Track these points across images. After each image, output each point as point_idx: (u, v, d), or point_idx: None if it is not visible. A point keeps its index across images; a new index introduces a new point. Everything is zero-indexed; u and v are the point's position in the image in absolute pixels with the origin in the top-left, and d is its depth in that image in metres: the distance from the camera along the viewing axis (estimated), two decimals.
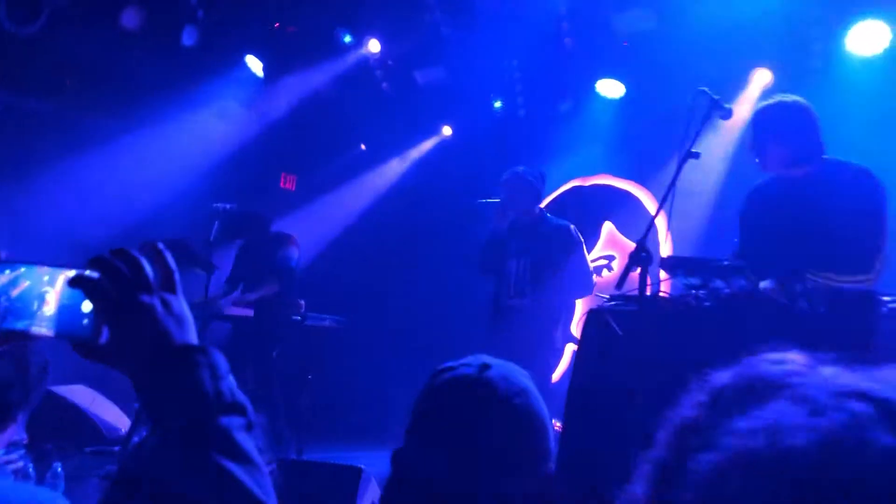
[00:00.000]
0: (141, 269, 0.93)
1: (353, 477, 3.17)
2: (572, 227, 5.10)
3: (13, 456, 2.68)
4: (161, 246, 0.97)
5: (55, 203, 6.75)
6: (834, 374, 0.59)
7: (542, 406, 1.18)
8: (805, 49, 5.73)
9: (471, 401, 1.14)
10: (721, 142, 4.77)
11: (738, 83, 5.98)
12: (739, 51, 5.93)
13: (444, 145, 8.07)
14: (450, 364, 1.21)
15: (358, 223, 8.19)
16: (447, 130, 8.03)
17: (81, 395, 5.67)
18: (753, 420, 0.58)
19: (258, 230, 6.04)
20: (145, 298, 0.91)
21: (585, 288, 5.04)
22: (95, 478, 4.76)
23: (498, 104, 7.47)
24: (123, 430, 5.56)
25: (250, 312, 5.89)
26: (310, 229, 7.21)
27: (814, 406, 0.55)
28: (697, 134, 3.34)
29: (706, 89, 3.51)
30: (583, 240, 5.15)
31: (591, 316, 3.39)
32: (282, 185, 8.52)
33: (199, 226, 5.81)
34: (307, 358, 5.49)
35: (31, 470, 3.72)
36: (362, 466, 3.27)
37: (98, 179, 6.85)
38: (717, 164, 5.24)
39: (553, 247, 4.96)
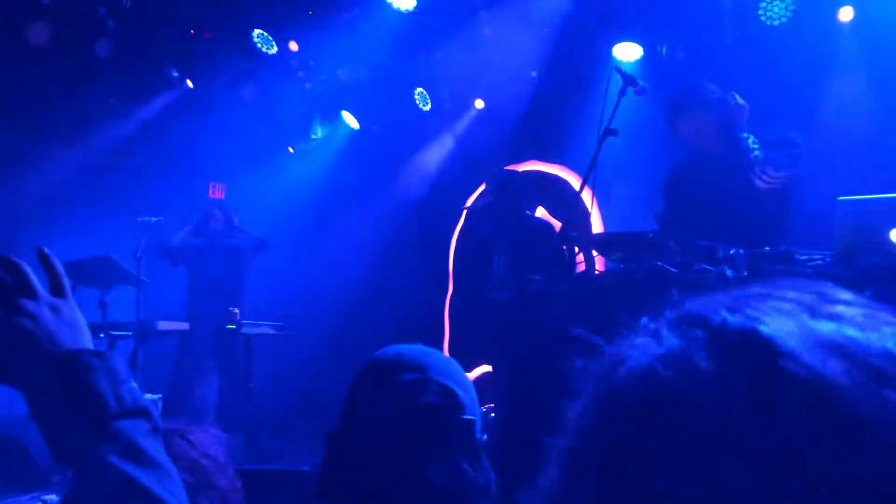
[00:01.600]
0: (24, 275, 0.88)
1: (301, 482, 3.13)
2: (553, 222, 5.30)
3: None
4: (47, 251, 0.92)
5: None
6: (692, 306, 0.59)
7: (461, 393, 1.18)
8: (720, 23, 5.85)
9: (386, 390, 1.14)
10: (643, 117, 4.84)
11: (656, 62, 6.09)
12: (657, 32, 6.06)
13: (372, 141, 8.04)
14: (386, 363, 1.20)
15: (289, 225, 8.09)
16: (354, 123, 7.96)
17: (10, 424, 5.47)
18: (607, 356, 0.58)
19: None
20: (29, 305, 0.87)
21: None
22: None
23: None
24: None
25: (186, 327, 5.79)
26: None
27: (656, 334, 0.55)
28: (614, 111, 3.39)
29: (621, 67, 3.57)
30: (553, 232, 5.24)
31: (526, 297, 3.41)
32: (211, 194, 8.37)
33: (125, 240, 5.67)
34: (246, 366, 5.40)
35: None
36: (307, 469, 3.24)
37: (16, 196, 6.62)
38: (641, 140, 5.32)
39: (532, 242, 5.12)
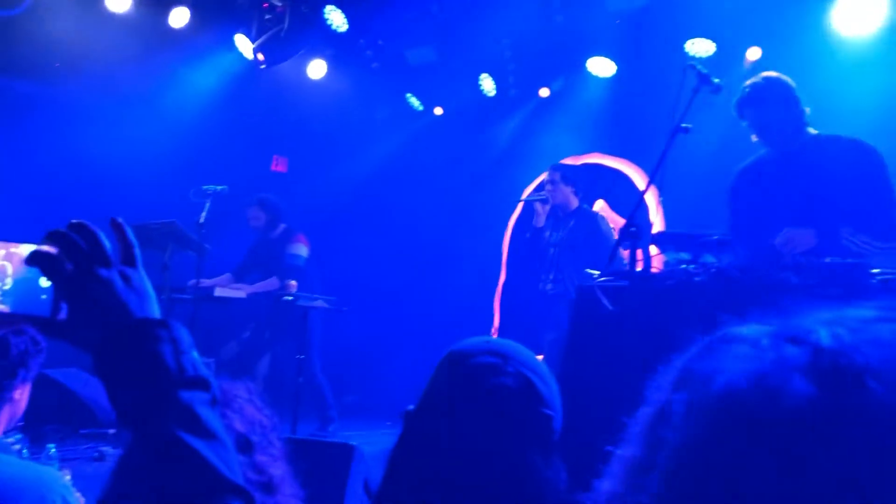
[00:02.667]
0: (98, 242, 0.90)
1: (345, 454, 3.18)
2: (599, 216, 5.34)
3: (10, 439, 2.68)
4: (120, 220, 0.94)
5: (44, 181, 6.73)
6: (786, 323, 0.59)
7: (541, 385, 1.18)
8: (795, 27, 5.71)
9: (463, 370, 1.14)
10: (713, 117, 4.77)
11: (729, 60, 5.97)
12: (730, 28, 5.92)
13: (435, 125, 8.04)
14: (468, 347, 1.20)
15: (348, 205, 8.18)
16: (438, 111, 8.00)
17: (75, 378, 5.67)
18: (707, 364, 0.59)
19: (272, 223, 6.21)
20: (103, 272, 0.89)
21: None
22: (89, 459, 4.78)
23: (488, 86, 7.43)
24: None
25: (243, 295, 5.91)
26: (301, 212, 7.20)
27: (754, 349, 0.56)
28: (686, 108, 3.34)
29: (696, 64, 3.51)
30: (611, 228, 5.32)
31: (582, 292, 3.39)
32: (273, 167, 8.50)
33: (190, 208, 5.80)
34: (299, 338, 5.50)
35: (26, 451, 3.73)
36: (354, 444, 3.28)
37: (87, 160, 6.82)
38: (710, 139, 5.24)
39: (579, 236, 5.22)
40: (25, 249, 0.96)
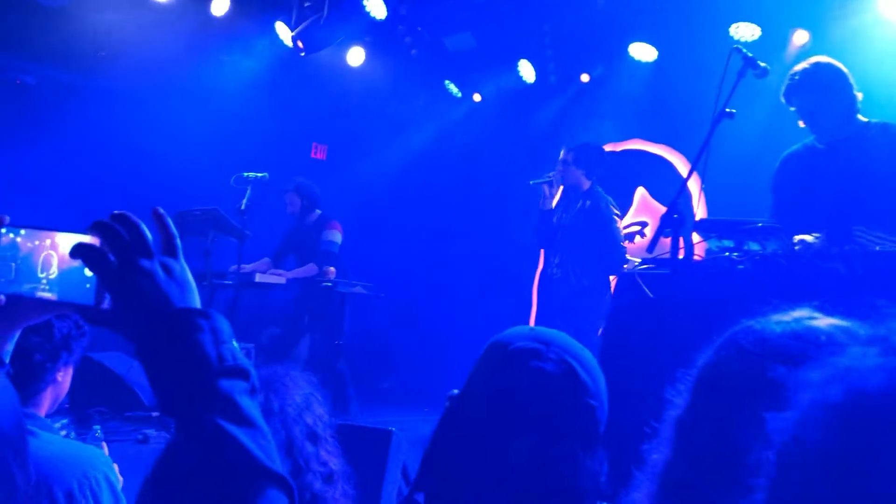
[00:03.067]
0: (140, 233, 0.91)
1: (383, 440, 3.19)
2: (608, 202, 5.22)
3: (57, 424, 2.74)
4: (161, 211, 0.95)
5: (86, 170, 6.86)
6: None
7: (585, 375, 1.16)
8: (843, 9, 5.56)
9: (506, 355, 1.13)
10: (758, 102, 4.67)
11: (774, 45, 5.83)
12: (776, 11, 5.78)
13: (474, 112, 8.00)
14: (511, 334, 1.19)
15: (387, 192, 8.19)
16: (477, 97, 7.96)
17: (119, 362, 5.79)
18: (826, 369, 0.57)
19: (308, 208, 6.25)
20: (145, 263, 0.90)
21: (613, 262, 5.05)
22: (133, 441, 4.87)
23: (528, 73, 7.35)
24: None
25: (282, 281, 5.97)
26: (340, 199, 7.23)
27: (884, 346, 0.54)
28: (731, 93, 3.26)
29: (741, 47, 3.43)
30: (616, 214, 5.23)
31: (622, 280, 3.36)
32: (312, 154, 8.55)
33: (231, 194, 5.86)
34: (337, 323, 5.53)
35: (73, 434, 3.82)
36: (393, 429, 3.29)
37: (129, 148, 6.94)
38: (754, 125, 5.13)
39: (587, 221, 5.13)
40: (70, 239, 0.96)
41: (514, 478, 1.06)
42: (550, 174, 5.28)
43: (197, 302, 0.93)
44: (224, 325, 0.90)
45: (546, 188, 5.26)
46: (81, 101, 7.10)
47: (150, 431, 4.96)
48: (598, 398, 1.14)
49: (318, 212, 6.36)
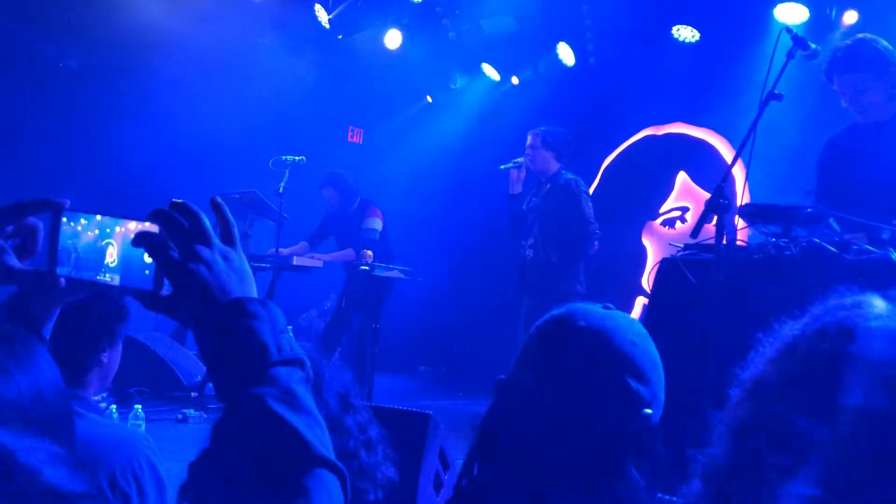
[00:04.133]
0: (200, 222, 0.92)
1: (422, 423, 3.18)
2: (577, 181, 5.35)
3: (97, 397, 2.78)
4: (219, 200, 0.96)
5: (127, 155, 6.94)
6: None
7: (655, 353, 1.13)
8: None
9: (576, 336, 1.09)
10: (806, 84, 4.55)
11: (823, 26, 5.68)
12: None
13: (512, 95, 7.93)
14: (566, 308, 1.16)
15: (423, 176, 8.17)
16: (514, 80, 7.89)
17: (160, 343, 5.87)
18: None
19: (348, 198, 6.28)
20: (204, 252, 0.90)
21: (583, 239, 5.23)
22: (172, 421, 4.95)
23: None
24: (199, 377, 5.76)
25: (320, 264, 5.99)
26: (376, 182, 7.23)
27: None
28: (780, 74, 3.17)
29: (791, 28, 3.33)
30: (586, 192, 5.39)
31: (665, 265, 3.30)
32: (349, 138, 8.56)
33: (270, 177, 5.89)
34: (375, 307, 5.55)
35: (115, 413, 3.88)
36: (430, 412, 3.28)
37: (169, 133, 7.00)
38: (800, 109, 5.00)
39: (557, 202, 5.26)
40: (130, 226, 0.98)
41: (561, 453, 1.04)
42: (518, 159, 5.39)
43: (254, 291, 0.93)
44: (280, 315, 0.91)
45: (514, 173, 5.39)
46: (123, 85, 7.18)
47: (190, 411, 5.04)
48: (651, 383, 1.10)
49: (359, 199, 6.37)
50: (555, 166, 5.39)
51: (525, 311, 5.22)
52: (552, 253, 5.20)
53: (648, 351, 1.11)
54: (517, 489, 1.04)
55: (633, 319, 1.14)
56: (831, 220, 3.04)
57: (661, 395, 1.11)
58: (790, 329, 0.85)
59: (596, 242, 5.30)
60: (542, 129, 5.48)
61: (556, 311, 1.13)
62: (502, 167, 5.45)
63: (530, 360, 1.12)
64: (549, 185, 5.36)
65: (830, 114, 5.34)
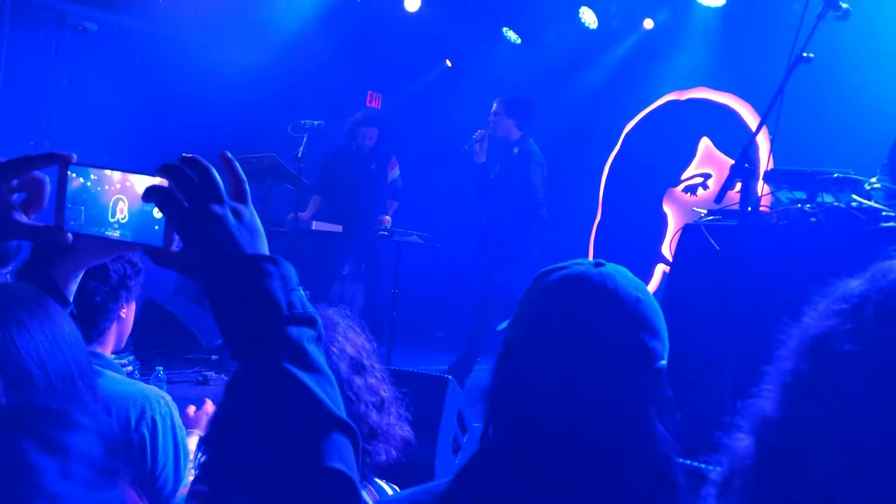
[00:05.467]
0: (211, 177, 0.90)
1: (440, 386, 3.19)
2: (532, 149, 5.44)
3: (124, 360, 2.80)
4: (230, 155, 0.94)
5: (145, 116, 6.94)
6: None
7: (655, 303, 1.11)
8: None
9: (587, 295, 1.07)
10: (835, 46, 4.44)
11: None
12: None
13: (531, 57, 7.82)
14: (558, 265, 1.14)
15: (442, 141, 8.11)
16: (516, 39, 7.74)
17: (180, 305, 5.91)
18: None
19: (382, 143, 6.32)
20: (216, 208, 0.89)
21: (528, 206, 5.34)
22: (193, 382, 5.00)
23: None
24: (219, 340, 5.80)
25: (339, 229, 5.98)
26: (395, 147, 7.18)
27: None
28: (809, 36, 3.09)
29: None
30: (539, 161, 5.44)
31: (687, 231, 3.26)
32: (368, 103, 8.49)
33: (288, 141, 5.86)
34: (393, 272, 5.55)
35: (137, 373, 3.92)
36: (449, 376, 3.29)
37: (188, 95, 6.98)
38: (829, 71, 4.89)
39: (515, 168, 5.39)
40: (140, 181, 0.96)
41: (568, 402, 1.03)
42: (478, 132, 5.51)
43: (266, 248, 0.92)
44: (292, 272, 0.89)
45: (477, 146, 5.50)
46: (141, 47, 7.15)
47: (210, 373, 5.09)
48: (654, 335, 1.07)
49: (385, 148, 6.37)
50: (517, 133, 5.49)
51: (482, 273, 5.49)
52: (504, 217, 5.37)
53: (652, 303, 1.09)
54: (536, 454, 1.02)
55: (628, 272, 1.11)
56: (866, 185, 2.96)
57: (668, 344, 1.09)
58: (854, 286, 0.83)
59: (544, 210, 5.43)
60: (506, 97, 5.62)
61: (561, 271, 1.11)
62: (466, 147, 5.57)
63: (539, 323, 1.09)
64: (511, 153, 5.48)
65: (859, 77, 5.24)
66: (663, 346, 1.07)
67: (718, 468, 0.89)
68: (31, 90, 6.71)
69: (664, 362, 1.07)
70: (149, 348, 5.27)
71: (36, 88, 6.75)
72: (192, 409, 2.29)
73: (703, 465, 1.21)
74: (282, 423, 0.83)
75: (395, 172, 6.34)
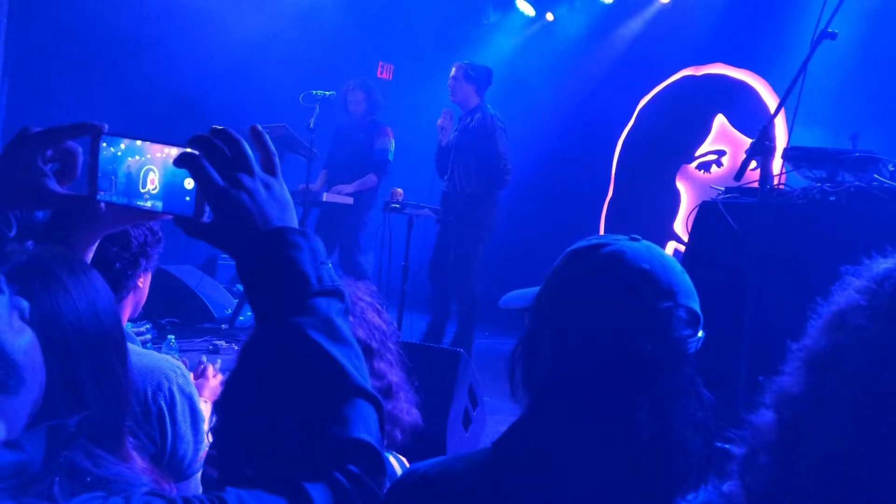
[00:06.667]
0: (242, 149, 0.91)
1: (453, 360, 3.20)
2: (495, 116, 5.44)
3: (142, 328, 2.81)
4: (260, 128, 0.95)
5: (155, 89, 6.90)
6: None
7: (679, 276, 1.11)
8: None
9: (629, 272, 1.07)
10: (856, 22, 4.37)
11: None
12: None
13: (547, 32, 7.74)
14: (596, 240, 1.13)
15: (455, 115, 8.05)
16: (550, 16, 7.69)
17: (191, 275, 5.93)
18: None
19: (370, 110, 6.21)
20: (246, 180, 0.89)
21: (497, 174, 5.36)
22: (204, 351, 5.02)
23: None
24: (229, 310, 5.82)
25: (350, 200, 5.96)
26: (406, 119, 7.14)
27: None
28: (835, 11, 3.03)
29: None
30: (503, 128, 5.46)
31: (704, 209, 3.23)
32: (378, 74, 8.43)
33: (299, 112, 5.83)
34: (405, 245, 5.54)
35: (150, 344, 3.94)
36: (461, 350, 3.30)
37: (198, 67, 6.94)
38: (849, 48, 4.81)
39: (476, 136, 5.38)
40: (171, 151, 0.97)
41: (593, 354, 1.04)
42: (442, 116, 5.48)
43: (295, 221, 0.93)
44: (320, 245, 0.91)
45: (442, 130, 5.48)
46: (152, 17, 7.10)
47: (220, 342, 5.11)
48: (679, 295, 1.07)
49: (372, 118, 6.23)
50: (475, 100, 5.48)
51: (439, 240, 5.54)
52: (466, 185, 5.38)
53: (687, 279, 1.10)
54: (577, 425, 1.02)
55: (660, 250, 1.12)
56: (891, 165, 2.92)
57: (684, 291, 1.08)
58: (879, 265, 0.83)
59: (510, 177, 5.45)
60: (466, 62, 5.59)
61: (600, 248, 1.10)
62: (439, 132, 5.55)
63: (570, 295, 1.09)
64: (469, 119, 5.46)
65: (879, 53, 5.16)
66: (701, 316, 1.08)
67: (740, 446, 0.90)
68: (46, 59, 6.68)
69: (702, 333, 1.08)
70: (159, 317, 5.29)
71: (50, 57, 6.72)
72: (192, 376, 2.29)
73: (722, 445, 1.21)
74: (309, 392, 0.84)
75: (385, 143, 6.12)
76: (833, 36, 2.99)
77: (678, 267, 1.10)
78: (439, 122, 5.50)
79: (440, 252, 5.59)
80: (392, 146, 6.17)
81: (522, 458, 1.04)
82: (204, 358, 2.42)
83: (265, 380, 0.89)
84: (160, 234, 2.06)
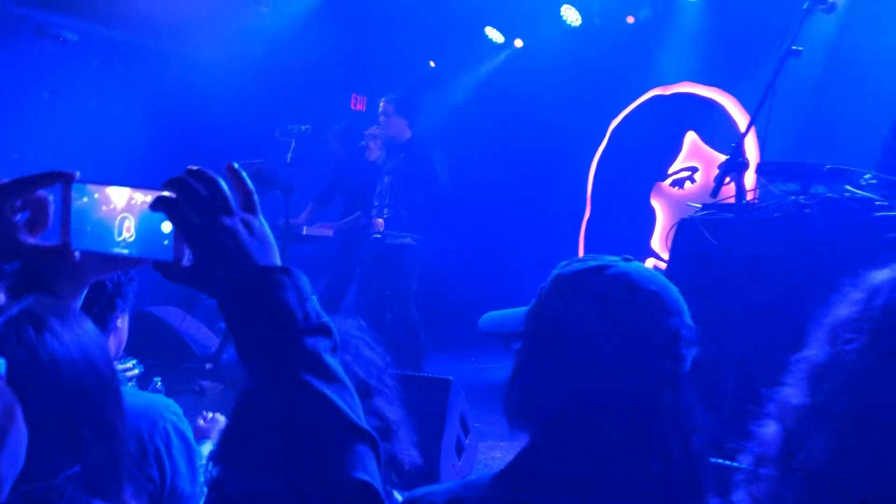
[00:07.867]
0: (219, 189, 0.88)
1: (442, 388, 3.20)
2: (429, 145, 5.55)
3: (129, 364, 2.78)
4: (237, 166, 0.93)
5: (130, 127, 6.89)
6: None
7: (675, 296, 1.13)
8: None
9: (609, 288, 1.09)
10: (821, 40, 4.48)
11: None
12: None
13: (515, 58, 7.84)
14: (593, 262, 1.15)
15: (427, 141, 8.10)
16: (518, 43, 7.79)
17: (173, 315, 5.88)
18: None
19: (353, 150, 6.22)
20: (226, 220, 0.87)
21: (440, 199, 5.45)
22: (190, 392, 4.97)
23: None
24: (213, 348, 5.77)
25: (330, 233, 5.96)
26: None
27: None
28: (798, 30, 3.12)
29: None
30: (439, 153, 5.56)
31: (683, 226, 3.28)
32: (353, 106, 8.48)
33: (276, 147, 5.84)
34: (387, 275, 5.54)
35: (133, 383, 3.89)
36: (451, 378, 3.30)
37: (171, 104, 6.94)
38: (817, 64, 4.92)
39: (411, 166, 5.40)
40: (146, 196, 0.94)
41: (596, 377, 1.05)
42: (373, 128, 5.57)
43: (277, 259, 0.91)
44: (306, 282, 0.89)
45: (371, 144, 5.55)
46: (124, 57, 7.10)
47: (206, 382, 5.06)
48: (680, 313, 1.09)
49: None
50: (408, 133, 5.52)
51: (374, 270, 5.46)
52: (404, 213, 5.39)
53: (681, 297, 1.12)
54: (579, 450, 1.03)
55: (654, 270, 1.15)
56: (862, 180, 2.99)
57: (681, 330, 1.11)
58: (871, 279, 0.86)
59: (450, 194, 5.53)
60: (394, 95, 5.60)
61: (603, 270, 1.12)
62: (361, 143, 5.66)
63: (578, 319, 1.10)
64: (404, 154, 5.47)
65: (844, 70, 5.27)
66: (695, 334, 1.10)
67: (745, 457, 0.91)
68: (11, 103, 6.63)
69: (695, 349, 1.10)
70: (141, 359, 5.22)
71: (16, 101, 6.68)
72: (201, 422, 2.29)
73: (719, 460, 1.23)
74: (303, 435, 0.82)
75: None
76: (798, 54, 3.09)
77: (674, 286, 1.12)
78: (372, 130, 5.54)
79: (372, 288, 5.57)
80: None
81: (535, 486, 1.03)
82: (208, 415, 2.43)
83: (258, 425, 0.86)
84: (133, 273, 2.05)
